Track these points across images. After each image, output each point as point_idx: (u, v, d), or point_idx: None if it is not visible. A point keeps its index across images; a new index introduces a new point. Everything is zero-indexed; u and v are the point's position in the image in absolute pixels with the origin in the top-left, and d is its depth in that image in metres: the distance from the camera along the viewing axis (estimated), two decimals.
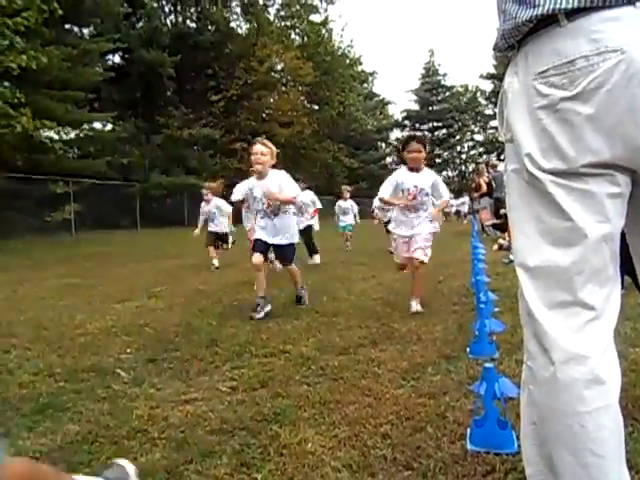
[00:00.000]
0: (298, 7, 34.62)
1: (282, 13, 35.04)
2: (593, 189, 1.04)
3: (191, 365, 2.96)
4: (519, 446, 1.73)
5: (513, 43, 1.14)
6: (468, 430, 1.90)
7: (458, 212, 22.62)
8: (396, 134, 55.08)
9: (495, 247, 9.16)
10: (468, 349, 2.99)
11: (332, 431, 2.00)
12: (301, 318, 4.08)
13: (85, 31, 23.03)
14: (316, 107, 37.02)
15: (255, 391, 2.49)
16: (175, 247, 12.88)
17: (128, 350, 3.31)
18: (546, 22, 1.04)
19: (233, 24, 32.42)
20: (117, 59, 26.75)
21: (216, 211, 8.23)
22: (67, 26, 20.96)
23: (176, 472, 1.73)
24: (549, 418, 1.11)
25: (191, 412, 2.25)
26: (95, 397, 2.48)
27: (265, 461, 1.78)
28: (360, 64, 43.99)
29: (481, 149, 52.72)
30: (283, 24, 35.10)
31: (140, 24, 27.05)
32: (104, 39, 20.73)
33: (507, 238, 9.05)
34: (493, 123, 50.61)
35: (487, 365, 1.90)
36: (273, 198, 4.32)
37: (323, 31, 36.82)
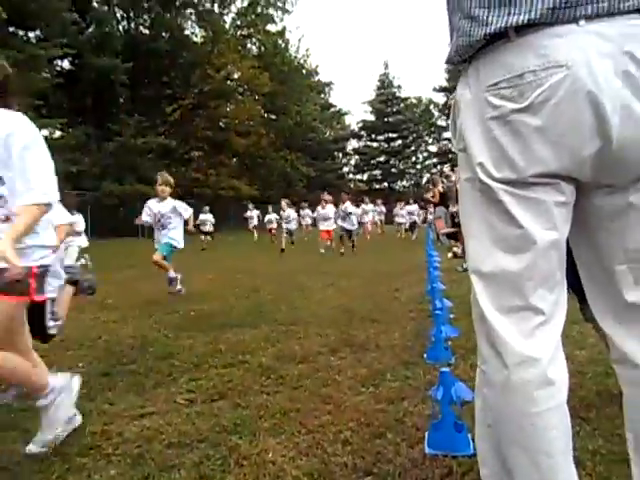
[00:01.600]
0: (254, 16, 34.67)
1: (238, 22, 35.01)
2: (541, 197, 1.09)
3: (147, 378, 2.88)
4: (475, 448, 1.79)
5: (466, 57, 1.18)
6: (426, 434, 1.94)
7: (414, 224, 20.87)
8: (353, 144, 55.82)
9: (450, 255, 9.40)
10: (425, 355, 3.05)
11: (292, 440, 1.99)
12: (260, 327, 4.05)
13: (31, 35, 22.21)
14: (273, 117, 37.10)
15: (214, 402, 2.45)
16: (129, 258, 12.53)
17: (80, 364, 3.19)
18: (497, 37, 1.08)
19: (188, 32, 32.15)
20: (66, 64, 25.96)
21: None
22: (11, 29, 20.17)
23: None
24: (503, 420, 1.14)
25: (147, 426, 2.19)
26: None
27: (225, 473, 1.76)
28: (317, 74, 44.58)
29: (435, 159, 54.02)
30: (239, 33, 35.08)
31: (90, 30, 26.33)
32: (51, 44, 20.05)
33: (461, 247, 9.30)
34: (446, 134, 52.04)
35: (443, 370, 1.95)
36: None
37: (280, 41, 37.04)
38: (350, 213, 12.54)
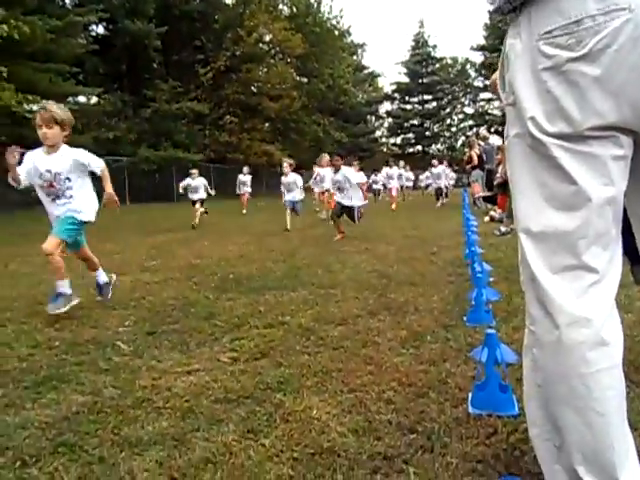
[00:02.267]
0: None
1: None
2: (597, 152, 1.04)
3: (190, 337, 2.96)
4: (520, 409, 1.78)
5: (517, 5, 1.11)
6: (469, 395, 1.94)
7: (439, 189, 16.56)
8: (386, 107, 54.64)
9: (486, 219, 9.22)
10: (465, 317, 3.03)
11: (336, 398, 2.03)
12: (297, 290, 4.09)
13: (67, 0, 22.30)
14: (305, 80, 36.54)
15: (256, 361, 2.51)
16: (166, 221, 12.79)
17: (126, 323, 3.31)
18: None
19: None
20: (101, 30, 26.06)
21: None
22: None
23: (184, 440, 1.74)
24: (553, 380, 1.13)
25: (194, 382, 2.26)
26: (97, 369, 2.49)
27: (272, 428, 1.81)
28: (349, 35, 43.40)
29: (471, 122, 52.43)
30: None
31: None
32: (87, 9, 20.10)
33: (498, 210, 9.10)
34: (483, 95, 50.38)
35: (489, 331, 1.93)
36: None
37: (312, 1, 36.07)
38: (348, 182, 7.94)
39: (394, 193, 17.21)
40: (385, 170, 17.23)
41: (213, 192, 12.23)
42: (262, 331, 3.01)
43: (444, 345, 2.60)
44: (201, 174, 12.65)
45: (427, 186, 21.67)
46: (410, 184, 22.22)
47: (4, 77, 13.15)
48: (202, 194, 11.63)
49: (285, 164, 10.60)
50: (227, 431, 1.79)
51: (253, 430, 1.79)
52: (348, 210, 7.89)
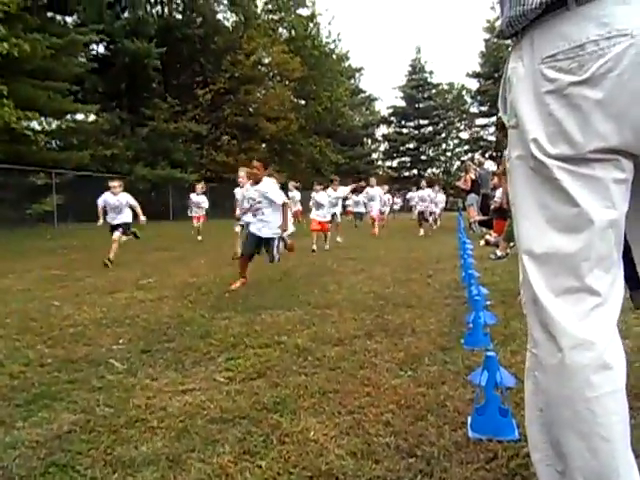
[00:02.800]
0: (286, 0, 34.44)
1: (269, 6, 34.83)
2: (599, 175, 1.05)
3: (186, 356, 2.93)
4: (520, 433, 1.76)
5: (519, 29, 1.13)
6: (469, 418, 1.92)
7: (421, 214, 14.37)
8: (382, 130, 55.19)
9: (482, 243, 9.24)
10: (462, 340, 3.02)
11: (333, 420, 2.00)
12: (294, 310, 4.07)
13: (69, 20, 22.57)
14: (303, 102, 36.92)
15: (253, 381, 2.48)
16: (161, 240, 12.74)
17: (120, 341, 3.27)
18: (554, 6, 1.03)
19: (220, 16, 32.12)
20: (101, 49, 26.32)
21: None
22: (50, 14, 20.54)
23: (179, 460, 1.71)
24: (557, 404, 1.11)
25: (189, 402, 2.23)
26: (90, 387, 2.45)
27: (268, 449, 1.78)
28: (347, 59, 44.03)
29: (466, 147, 52.91)
30: (270, 17, 34.88)
31: (125, 14, 26.60)
32: (88, 29, 20.34)
33: (493, 234, 9.14)
34: (478, 121, 50.97)
35: (489, 354, 1.91)
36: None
37: (311, 25, 36.71)
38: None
39: (374, 214, 14.13)
40: (367, 190, 14.41)
41: (143, 218, 8.01)
42: (258, 351, 2.98)
43: (442, 368, 2.58)
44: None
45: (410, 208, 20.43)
46: (387, 209, 19.56)
47: (3, 94, 13.20)
48: (126, 217, 7.81)
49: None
50: (223, 452, 1.76)
51: (249, 451, 1.76)
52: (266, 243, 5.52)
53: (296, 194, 15.11)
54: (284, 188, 10.44)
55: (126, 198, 7.82)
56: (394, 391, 2.27)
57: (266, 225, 5.40)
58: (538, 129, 1.08)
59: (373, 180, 14.99)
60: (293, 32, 35.52)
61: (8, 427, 2.02)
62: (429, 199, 14.77)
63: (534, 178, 1.12)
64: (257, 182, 5.44)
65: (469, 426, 1.87)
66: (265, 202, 5.36)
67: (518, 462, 1.63)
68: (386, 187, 19.95)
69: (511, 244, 6.80)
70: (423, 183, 15.49)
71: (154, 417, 2.07)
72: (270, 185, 5.41)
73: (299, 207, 15.52)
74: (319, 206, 9.84)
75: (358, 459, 1.69)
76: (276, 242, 5.45)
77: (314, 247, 9.12)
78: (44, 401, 2.26)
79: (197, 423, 2.00)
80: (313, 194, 10.30)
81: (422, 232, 13.21)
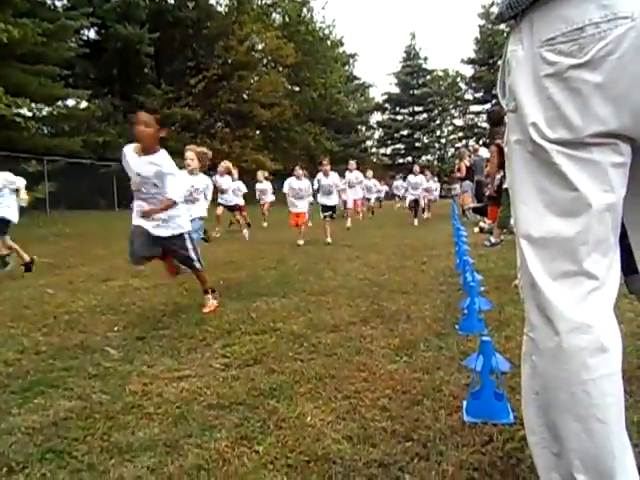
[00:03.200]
0: None
1: None
2: (598, 158, 1.05)
3: (181, 343, 2.93)
4: (515, 417, 1.78)
5: (519, 11, 1.12)
6: (464, 403, 1.93)
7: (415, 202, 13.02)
8: (376, 117, 54.94)
9: (476, 230, 9.26)
10: (457, 326, 3.03)
11: (330, 405, 2.01)
12: (289, 297, 4.07)
13: (58, 4, 22.20)
14: (297, 89, 36.65)
15: (249, 367, 2.49)
16: None
17: (115, 328, 3.26)
18: None
19: (212, 1, 31.66)
20: (92, 34, 25.89)
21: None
22: None
23: (176, 446, 1.72)
24: (553, 387, 1.12)
25: (186, 388, 2.23)
26: (85, 374, 2.44)
27: (265, 434, 1.78)
28: (342, 45, 43.62)
29: (460, 134, 52.83)
30: (263, 2, 34.44)
31: None
32: (79, 13, 20.00)
33: (487, 221, 9.16)
34: (473, 108, 50.87)
35: (484, 339, 1.92)
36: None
37: (304, 10, 36.31)
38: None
39: (350, 205, 12.91)
40: (347, 175, 13.03)
41: (24, 199, 6.20)
42: (254, 337, 2.99)
43: (437, 353, 2.59)
44: None
45: (399, 197, 18.81)
46: (372, 196, 17.78)
47: None
48: (11, 211, 5.80)
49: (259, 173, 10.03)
50: (220, 437, 1.77)
51: (246, 437, 1.77)
52: None
53: (267, 185, 13.29)
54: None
55: (7, 177, 6.01)
56: (390, 376, 2.28)
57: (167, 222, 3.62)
58: (537, 113, 1.07)
59: (352, 163, 13.51)
60: (287, 18, 35.13)
61: (4, 414, 2.02)
62: (421, 187, 13.63)
63: (532, 162, 1.12)
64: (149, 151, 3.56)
65: (465, 410, 1.88)
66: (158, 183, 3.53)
67: (513, 445, 1.64)
68: (370, 172, 17.83)
69: (504, 230, 6.82)
70: (416, 168, 14.18)
71: (150, 403, 2.07)
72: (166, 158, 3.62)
73: (271, 199, 13.43)
74: (298, 197, 8.60)
75: (355, 443, 1.70)
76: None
77: (300, 242, 8.19)
78: (40, 388, 2.26)
79: (194, 409, 2.01)
80: (315, 180, 9.14)
81: (416, 222, 12.45)
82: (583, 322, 1.08)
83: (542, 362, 1.14)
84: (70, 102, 22.50)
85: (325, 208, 8.71)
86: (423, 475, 1.50)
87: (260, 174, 13.59)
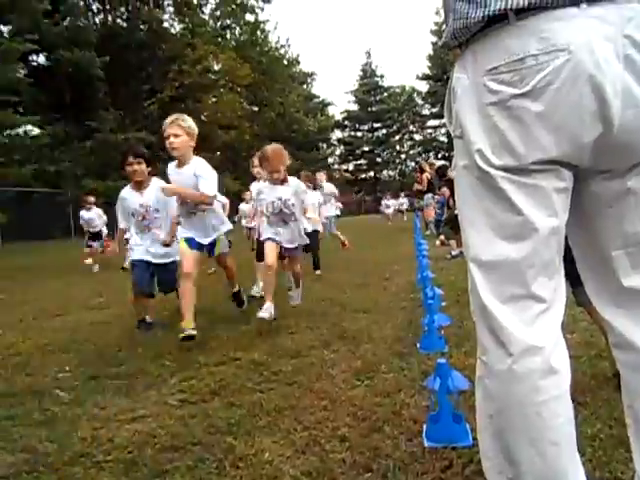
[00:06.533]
0: (234, 6, 34.19)
1: (217, 13, 34.53)
2: (542, 184, 1.07)
3: (136, 380, 2.81)
4: (474, 439, 1.77)
5: (463, 41, 1.14)
6: (424, 427, 1.91)
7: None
8: (337, 134, 55.60)
9: (437, 243, 9.40)
10: (418, 345, 3.03)
11: (289, 438, 1.95)
12: (250, 323, 4.00)
13: (4, 29, 21.65)
14: (256, 109, 36.76)
15: (206, 402, 2.40)
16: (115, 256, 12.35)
17: (67, 368, 3.11)
18: (496, 20, 1.04)
19: (166, 24, 31.59)
20: (42, 59, 25.37)
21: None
22: None
23: None
24: (506, 410, 1.12)
25: (139, 430, 2.13)
26: (31, 422, 2.30)
27: (221, 476, 1.71)
28: (298, 64, 44.17)
29: (420, 148, 54.07)
30: (218, 24, 34.59)
31: (65, 22, 25.66)
32: (25, 38, 19.52)
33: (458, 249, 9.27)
34: (430, 122, 52.18)
35: (440, 361, 1.92)
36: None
37: (258, 32, 36.63)
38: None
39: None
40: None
41: None
42: (213, 369, 2.90)
43: (398, 375, 2.58)
44: None
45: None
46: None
47: None
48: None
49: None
50: None
51: None
52: None
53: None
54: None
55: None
56: (350, 403, 2.25)
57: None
58: (482, 140, 1.09)
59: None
60: (241, 38, 35.35)
61: None
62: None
63: (479, 187, 1.13)
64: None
65: (425, 435, 1.86)
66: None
67: (472, 469, 1.63)
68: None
69: None
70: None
71: (100, 450, 1.96)
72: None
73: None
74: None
75: (314, 478, 1.65)
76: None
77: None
78: None
79: (146, 453, 1.91)
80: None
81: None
82: (533, 344, 1.09)
83: (495, 385, 1.15)
84: (20, 130, 21.84)
85: None
86: None
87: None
